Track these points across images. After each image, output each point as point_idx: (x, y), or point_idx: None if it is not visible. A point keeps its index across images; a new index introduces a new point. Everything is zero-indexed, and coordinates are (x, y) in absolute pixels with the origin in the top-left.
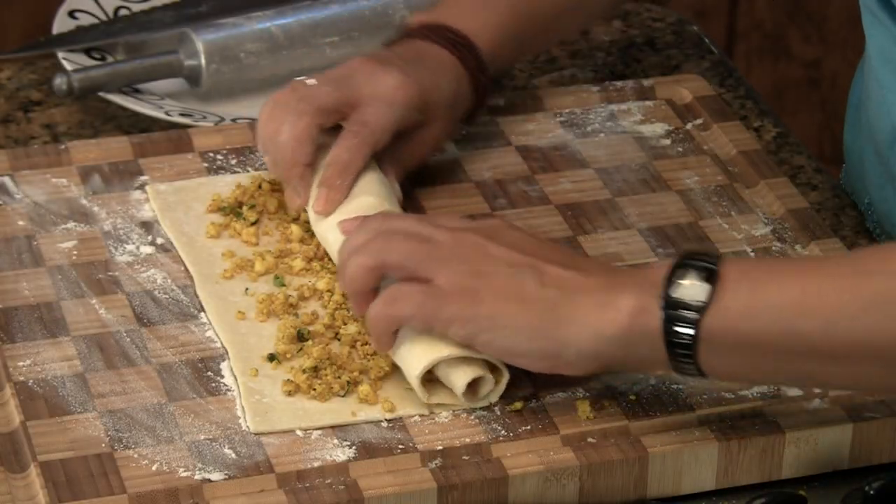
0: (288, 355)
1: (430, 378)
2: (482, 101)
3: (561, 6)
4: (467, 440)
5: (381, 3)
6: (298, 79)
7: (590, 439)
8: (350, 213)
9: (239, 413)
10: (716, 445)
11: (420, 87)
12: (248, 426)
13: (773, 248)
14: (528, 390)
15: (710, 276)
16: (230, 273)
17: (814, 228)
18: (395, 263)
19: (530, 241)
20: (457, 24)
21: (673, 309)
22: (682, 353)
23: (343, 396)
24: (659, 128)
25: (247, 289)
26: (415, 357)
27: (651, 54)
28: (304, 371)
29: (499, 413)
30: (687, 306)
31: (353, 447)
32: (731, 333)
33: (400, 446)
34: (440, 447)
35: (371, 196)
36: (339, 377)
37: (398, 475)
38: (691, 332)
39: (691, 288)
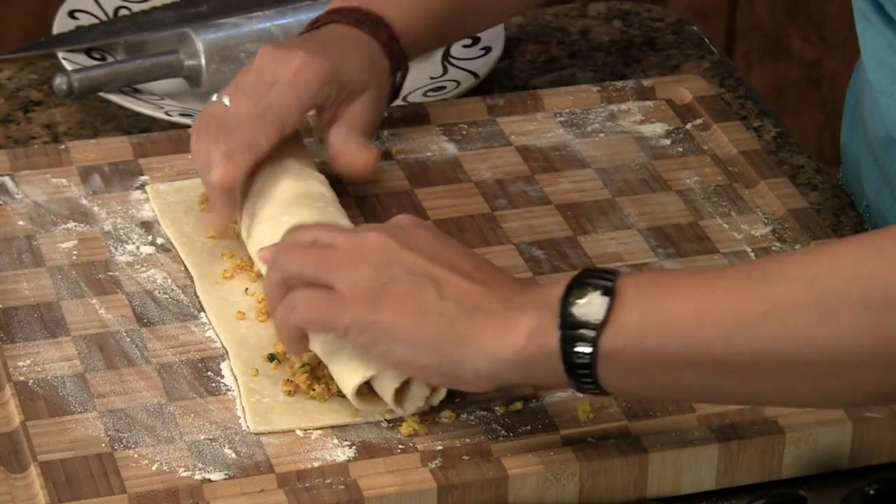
0: (288, 355)
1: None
2: (402, 70)
3: None
4: (467, 440)
5: None
6: (214, 100)
7: (590, 439)
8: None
9: (239, 413)
10: (716, 445)
11: (328, 63)
12: (248, 426)
13: (773, 247)
14: (528, 390)
15: (607, 293)
16: (230, 273)
17: (814, 228)
18: (295, 273)
19: (438, 245)
20: (366, 4)
21: (570, 329)
22: (581, 372)
23: (343, 396)
24: (659, 128)
25: (247, 289)
26: (345, 375)
27: (651, 54)
28: (303, 371)
29: (499, 413)
30: (584, 325)
31: (353, 447)
32: (630, 350)
33: (400, 446)
34: (440, 447)
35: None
36: None
37: (398, 475)
38: (589, 350)
39: (587, 306)
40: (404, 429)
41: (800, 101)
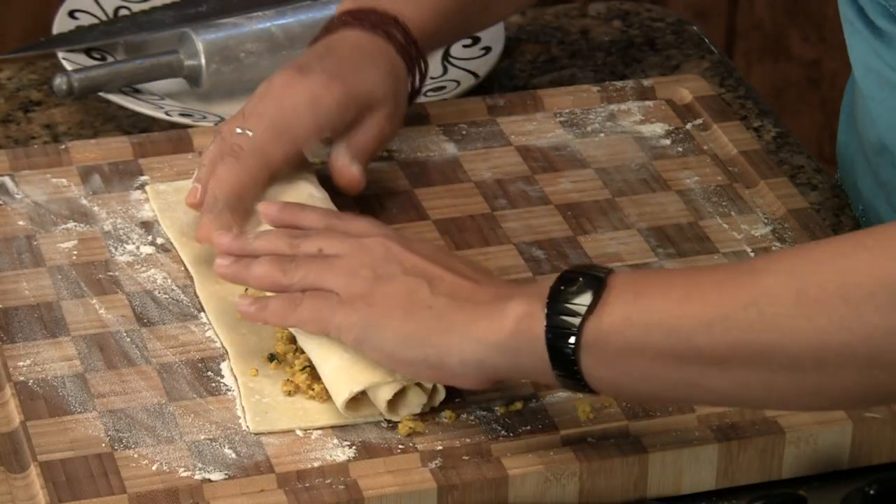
0: (288, 355)
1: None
2: (421, 74)
3: None
4: (467, 440)
5: None
6: (239, 131)
7: (590, 439)
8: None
9: (239, 413)
10: (716, 445)
11: (345, 87)
12: (248, 426)
13: (773, 247)
14: (528, 390)
15: (597, 283)
16: None
17: (814, 228)
18: (298, 284)
19: (436, 251)
20: (382, 5)
21: (556, 314)
22: (564, 359)
23: None
24: (659, 128)
25: (246, 289)
26: (336, 389)
27: (651, 54)
28: (303, 371)
29: (499, 413)
30: (570, 312)
31: (353, 447)
32: (613, 338)
33: (400, 446)
34: (440, 447)
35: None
36: None
37: (398, 475)
38: (573, 335)
39: (576, 295)
40: (403, 429)
41: (800, 101)
